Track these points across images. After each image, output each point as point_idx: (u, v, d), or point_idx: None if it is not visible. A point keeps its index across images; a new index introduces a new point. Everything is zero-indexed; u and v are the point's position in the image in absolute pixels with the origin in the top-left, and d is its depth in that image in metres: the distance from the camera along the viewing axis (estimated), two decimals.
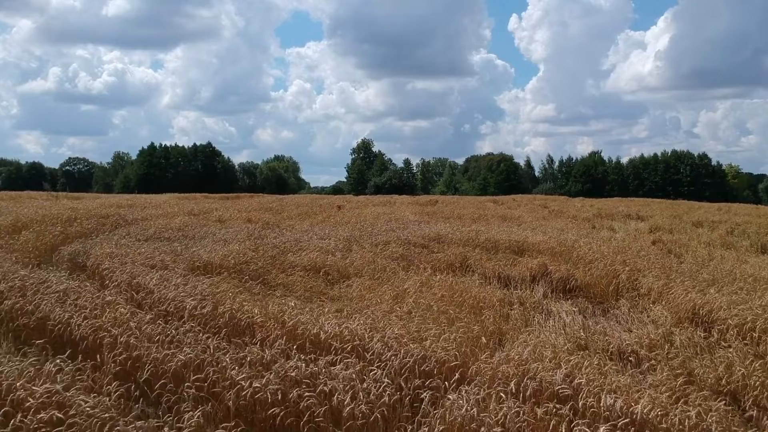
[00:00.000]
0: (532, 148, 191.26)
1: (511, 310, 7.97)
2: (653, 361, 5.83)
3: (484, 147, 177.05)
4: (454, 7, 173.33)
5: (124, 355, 4.77)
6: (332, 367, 4.59)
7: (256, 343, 5.35)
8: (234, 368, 4.43)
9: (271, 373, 4.30)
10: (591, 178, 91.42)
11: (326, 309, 8.29)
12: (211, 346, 4.89)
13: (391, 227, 17.17)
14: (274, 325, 5.72)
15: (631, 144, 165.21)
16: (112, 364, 4.60)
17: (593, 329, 8.15)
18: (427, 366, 4.69)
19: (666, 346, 6.31)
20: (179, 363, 4.55)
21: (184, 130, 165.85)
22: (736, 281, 9.98)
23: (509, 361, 4.80)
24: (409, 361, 4.69)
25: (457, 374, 4.59)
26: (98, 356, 4.82)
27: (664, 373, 5.09)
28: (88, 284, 7.22)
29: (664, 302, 8.90)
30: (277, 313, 6.05)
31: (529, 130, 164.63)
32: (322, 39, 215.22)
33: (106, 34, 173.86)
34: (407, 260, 11.78)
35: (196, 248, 10.78)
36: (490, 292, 8.59)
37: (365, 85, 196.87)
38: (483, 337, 5.61)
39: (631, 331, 8.64)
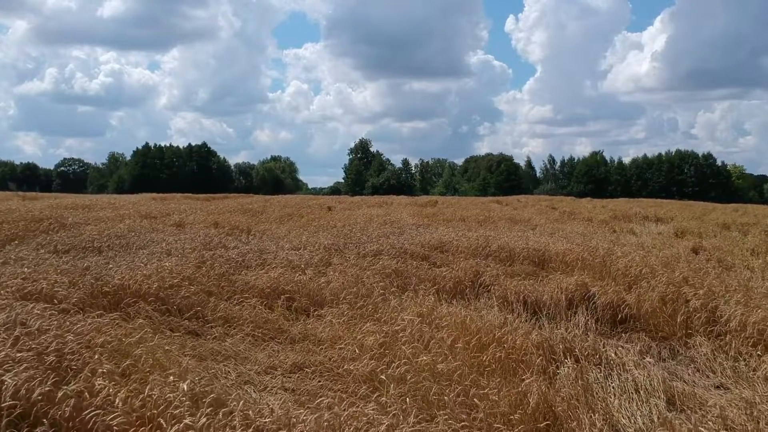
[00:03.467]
0: (530, 149, 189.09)
1: (559, 368, 5.22)
2: None
3: (482, 148, 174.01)
4: (450, 8, 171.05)
5: None
6: None
7: None
8: None
9: None
10: (593, 178, 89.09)
11: (280, 359, 5.57)
12: None
13: (385, 232, 14.41)
14: None
15: (629, 145, 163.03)
16: None
17: (686, 392, 5.43)
18: None
19: None
20: None
21: (182, 132, 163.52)
22: None
23: None
24: None
25: None
26: None
27: None
28: None
29: None
30: (158, 401, 3.30)
31: (526, 131, 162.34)
32: (319, 40, 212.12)
33: (102, 35, 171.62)
34: (403, 278, 9.04)
35: (120, 264, 8.03)
36: (522, 333, 5.84)
37: (362, 86, 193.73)
38: None
39: (728, 389, 5.96)
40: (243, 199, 33.16)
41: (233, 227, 14.13)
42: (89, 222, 13.89)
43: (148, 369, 4.28)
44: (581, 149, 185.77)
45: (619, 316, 7.80)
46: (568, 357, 5.83)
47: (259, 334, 6.33)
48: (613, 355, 6.04)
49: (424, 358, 4.69)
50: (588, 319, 7.83)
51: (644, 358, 6.04)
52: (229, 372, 5.29)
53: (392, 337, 5.52)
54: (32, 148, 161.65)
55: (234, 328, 6.40)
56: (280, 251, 10.02)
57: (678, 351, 7.12)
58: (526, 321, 7.23)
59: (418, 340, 5.39)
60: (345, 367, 4.92)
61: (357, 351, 5.26)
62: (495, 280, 9.21)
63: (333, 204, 28.56)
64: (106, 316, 5.46)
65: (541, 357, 5.16)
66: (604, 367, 5.76)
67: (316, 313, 7.15)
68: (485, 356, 5.00)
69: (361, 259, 10.00)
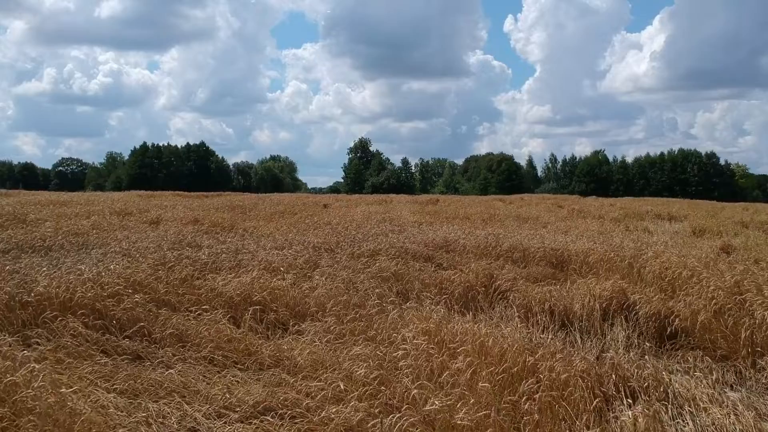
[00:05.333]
0: (530, 149, 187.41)
1: (617, 413, 3.80)
2: None
3: (482, 148, 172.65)
4: (449, 8, 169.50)
5: None
6: None
7: None
8: None
9: None
10: (595, 177, 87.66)
11: (240, 395, 4.16)
12: None
13: (384, 230, 13.02)
14: None
15: (628, 145, 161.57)
16: None
17: None
18: None
19: None
20: None
21: (181, 132, 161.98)
22: None
23: None
24: None
25: None
26: None
27: None
28: None
29: None
30: None
31: (526, 131, 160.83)
32: (318, 40, 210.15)
33: (100, 35, 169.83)
34: (403, 282, 7.64)
35: (60, 266, 6.62)
36: (561, 359, 4.43)
37: (361, 87, 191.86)
38: None
39: None
40: (235, 197, 31.77)
41: (214, 224, 12.73)
42: (52, 218, 12.49)
43: (33, 423, 2.88)
44: (580, 149, 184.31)
45: (668, 330, 6.40)
46: (622, 390, 4.44)
47: (220, 358, 4.92)
48: (678, 388, 4.62)
49: (436, 402, 3.28)
50: (630, 334, 6.45)
51: (724, 391, 4.63)
52: (169, 414, 3.90)
53: (390, 365, 4.12)
54: (31, 149, 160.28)
55: (188, 350, 5.00)
56: (261, 251, 8.61)
57: (742, 374, 5.74)
58: (555, 337, 5.85)
59: (424, 371, 3.99)
60: (324, 413, 3.51)
61: (342, 386, 3.85)
62: (512, 284, 7.82)
63: (329, 202, 27.16)
64: (19, 336, 4.04)
65: (599, 398, 3.73)
66: (672, 404, 4.36)
67: (296, 327, 5.75)
68: (519, 395, 3.59)
69: (355, 261, 8.60)
